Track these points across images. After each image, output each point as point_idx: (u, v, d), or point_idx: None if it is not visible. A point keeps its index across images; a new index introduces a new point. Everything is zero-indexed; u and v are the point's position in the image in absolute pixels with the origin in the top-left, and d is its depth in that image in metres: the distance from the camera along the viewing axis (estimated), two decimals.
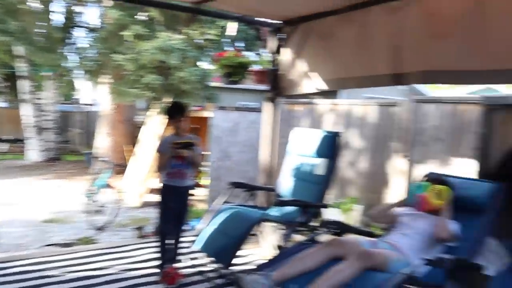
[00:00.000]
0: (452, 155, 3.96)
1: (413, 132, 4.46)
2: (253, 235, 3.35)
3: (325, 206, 3.69)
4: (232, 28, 6.71)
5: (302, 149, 4.03)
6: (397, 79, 3.41)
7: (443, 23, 3.01)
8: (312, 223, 3.46)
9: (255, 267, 2.64)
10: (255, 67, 9.08)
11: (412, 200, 3.02)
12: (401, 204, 3.11)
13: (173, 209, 3.55)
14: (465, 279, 2.31)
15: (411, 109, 4.49)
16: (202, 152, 4.10)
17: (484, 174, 3.36)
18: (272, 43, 4.62)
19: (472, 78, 2.92)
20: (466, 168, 3.74)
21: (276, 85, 4.62)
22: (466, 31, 2.85)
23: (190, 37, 7.79)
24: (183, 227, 3.67)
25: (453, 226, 2.68)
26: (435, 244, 2.70)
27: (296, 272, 2.45)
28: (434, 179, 2.97)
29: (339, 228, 2.85)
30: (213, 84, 8.07)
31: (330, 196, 5.08)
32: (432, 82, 3.41)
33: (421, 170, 4.19)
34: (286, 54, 4.52)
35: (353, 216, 4.76)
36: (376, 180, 4.90)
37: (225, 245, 3.19)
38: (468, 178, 3.14)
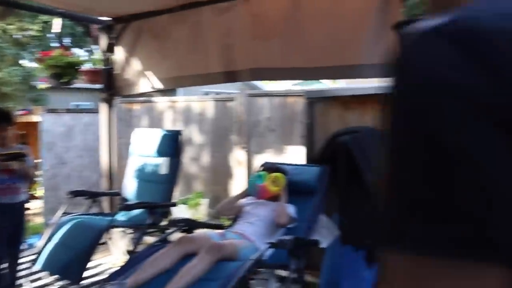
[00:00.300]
0: (284, 144, 4.34)
1: (249, 124, 4.76)
2: (102, 243, 3.22)
3: (173, 205, 3.73)
4: (57, 24, 6.21)
5: (145, 149, 3.99)
6: (229, 76, 3.63)
7: (267, 24, 3.29)
8: (161, 223, 3.47)
9: (107, 276, 2.56)
10: (87, 66, 8.56)
11: (253, 190, 3.25)
12: (243, 195, 3.32)
13: (5, 228, 3.20)
14: (304, 255, 2.59)
15: (246, 103, 4.77)
16: (35, 161, 3.76)
17: (311, 159, 3.77)
18: (104, 41, 4.44)
19: (293, 74, 3.28)
20: (297, 155, 4.14)
21: (111, 85, 4.46)
22: (287, 33, 3.17)
23: (7, 33, 6.99)
24: (20, 247, 3.34)
25: (290, 210, 2.97)
26: (277, 228, 2.96)
27: (150, 275, 2.45)
28: (269, 167, 3.23)
29: (188, 225, 2.92)
30: (40, 84, 7.37)
31: (177, 193, 5.14)
32: (259, 79, 3.70)
33: (259, 160, 4.51)
34: (119, 53, 4.39)
35: (201, 210, 4.89)
36: (219, 172, 5.11)
37: (71, 259, 3.00)
38: (299, 164, 3.50)
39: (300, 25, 3.09)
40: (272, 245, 2.48)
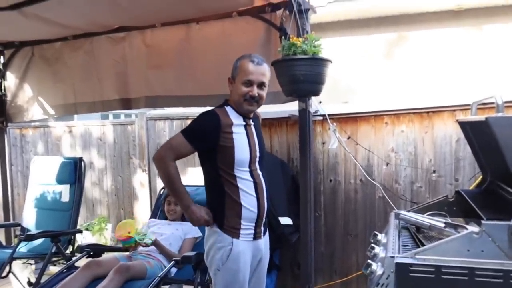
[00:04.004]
0: (186, 166, 4.55)
1: (150, 147, 4.90)
2: (3, 277, 3.14)
3: (77, 231, 3.74)
4: None
5: (45, 177, 3.95)
6: (125, 104, 3.76)
7: (160, 54, 3.50)
8: (67, 251, 3.48)
9: None
10: None
11: (159, 211, 3.42)
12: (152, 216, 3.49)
13: None
14: (207, 268, 2.79)
15: (146, 126, 4.92)
16: None
17: None
18: None
19: (187, 102, 3.50)
20: (198, 176, 4.35)
21: (2, 111, 4.34)
22: (180, 63, 3.41)
23: None
24: None
25: (193, 231, 3.19)
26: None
27: None
28: None
29: (94, 250, 2.99)
30: None
31: (80, 219, 5.08)
32: (154, 106, 3.85)
33: (160, 182, 4.64)
34: (10, 79, 4.30)
35: (106, 234, 4.90)
36: (122, 196, 5.17)
37: None
38: (200, 185, 3.70)
39: (191, 57, 3.36)
40: (176, 262, 2.67)
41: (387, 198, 3.30)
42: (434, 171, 3.26)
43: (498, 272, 1.51)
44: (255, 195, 2.17)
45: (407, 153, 3.31)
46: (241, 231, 2.15)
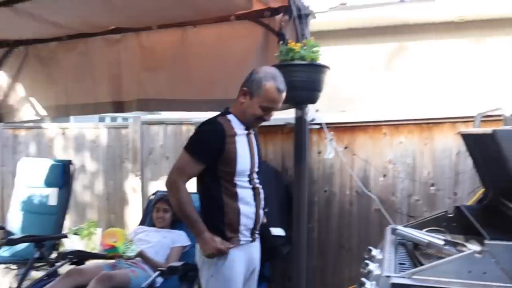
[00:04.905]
0: None
1: (144, 152, 4.80)
2: None
3: (63, 236, 3.62)
4: None
5: (32, 180, 3.86)
6: (118, 107, 3.64)
7: (155, 57, 3.40)
8: (50, 257, 3.36)
9: None
10: None
11: (147, 217, 3.31)
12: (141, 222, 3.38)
13: None
14: (194, 279, 2.69)
15: (140, 130, 4.81)
16: None
17: None
18: None
19: (179, 106, 3.39)
20: (191, 182, 4.26)
21: None
22: (174, 66, 3.31)
23: None
24: None
25: (182, 239, 3.08)
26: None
27: None
28: (160, 198, 3.30)
29: (77, 257, 2.87)
30: None
31: (69, 223, 4.96)
32: (146, 110, 3.76)
33: (153, 187, 4.55)
34: (3, 78, 4.20)
35: (95, 240, 4.78)
36: (113, 200, 5.05)
37: None
38: (193, 192, 3.61)
39: (187, 59, 3.25)
40: (162, 272, 2.56)
41: (383, 211, 3.20)
42: (432, 184, 3.16)
43: None
44: (253, 203, 2.15)
45: (405, 165, 3.22)
46: (239, 237, 2.12)
